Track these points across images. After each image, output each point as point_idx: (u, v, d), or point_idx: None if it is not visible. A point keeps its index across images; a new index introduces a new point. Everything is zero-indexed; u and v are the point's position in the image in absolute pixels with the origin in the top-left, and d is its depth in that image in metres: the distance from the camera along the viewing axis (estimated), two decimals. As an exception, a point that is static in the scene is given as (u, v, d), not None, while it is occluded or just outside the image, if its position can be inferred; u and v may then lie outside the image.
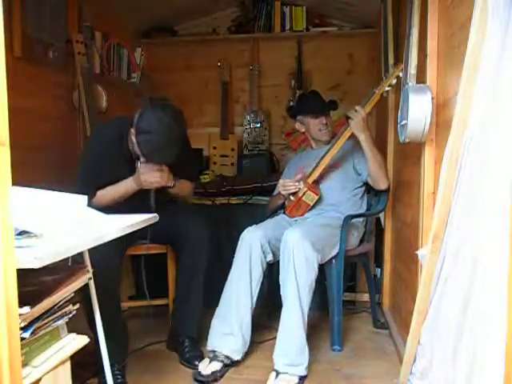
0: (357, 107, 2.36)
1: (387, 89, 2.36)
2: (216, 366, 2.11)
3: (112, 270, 2.00)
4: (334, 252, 2.36)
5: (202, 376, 2.06)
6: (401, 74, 2.29)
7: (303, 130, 2.70)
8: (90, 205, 2.00)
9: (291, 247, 2.10)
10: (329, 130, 2.62)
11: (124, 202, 2.16)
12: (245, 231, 2.32)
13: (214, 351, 2.16)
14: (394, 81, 2.30)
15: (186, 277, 2.28)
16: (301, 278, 2.08)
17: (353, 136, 2.42)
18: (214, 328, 2.21)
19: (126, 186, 2.14)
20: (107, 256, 1.78)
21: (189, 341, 2.25)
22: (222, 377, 2.10)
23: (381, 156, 2.44)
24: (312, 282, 2.12)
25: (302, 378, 2.04)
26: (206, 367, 2.10)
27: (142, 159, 2.12)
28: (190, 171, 2.42)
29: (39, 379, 1.17)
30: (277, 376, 2.01)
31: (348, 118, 2.39)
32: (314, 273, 2.12)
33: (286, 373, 2.01)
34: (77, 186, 2.08)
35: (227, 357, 2.15)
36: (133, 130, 2.04)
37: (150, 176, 2.09)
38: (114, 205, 2.12)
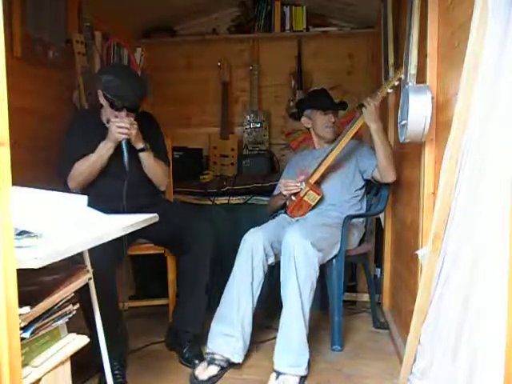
0: (369, 98, 2.35)
1: (389, 91, 2.37)
2: (213, 370, 2.09)
3: (110, 270, 2.01)
4: (335, 252, 2.36)
5: (199, 381, 2.04)
6: (402, 77, 2.30)
7: (309, 126, 2.70)
8: (68, 180, 2.21)
9: (292, 247, 2.10)
10: (334, 129, 2.64)
11: (101, 173, 2.20)
12: (247, 234, 2.30)
13: (212, 353, 2.15)
14: (397, 83, 2.30)
15: (190, 276, 2.27)
16: (301, 278, 2.08)
17: (362, 128, 2.45)
18: (214, 329, 2.20)
19: (100, 147, 2.17)
20: (106, 256, 1.78)
21: (189, 340, 2.24)
22: (219, 379, 2.09)
23: (391, 148, 2.44)
24: (313, 282, 2.12)
25: (302, 378, 2.03)
26: (203, 371, 2.08)
27: (108, 106, 2.16)
28: (160, 150, 2.42)
29: (39, 379, 1.17)
30: (277, 377, 2.01)
31: (361, 106, 2.38)
32: (314, 273, 2.12)
33: (287, 373, 2.01)
34: (60, 165, 2.24)
35: (227, 360, 2.14)
36: (99, 91, 2.17)
37: (122, 122, 2.13)
38: (93, 176, 2.19)
